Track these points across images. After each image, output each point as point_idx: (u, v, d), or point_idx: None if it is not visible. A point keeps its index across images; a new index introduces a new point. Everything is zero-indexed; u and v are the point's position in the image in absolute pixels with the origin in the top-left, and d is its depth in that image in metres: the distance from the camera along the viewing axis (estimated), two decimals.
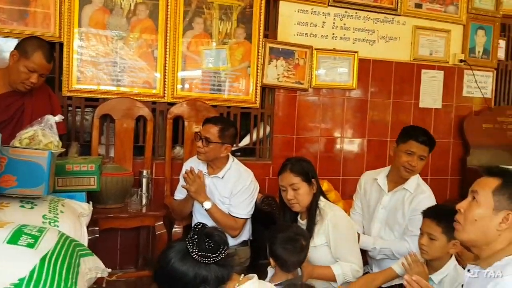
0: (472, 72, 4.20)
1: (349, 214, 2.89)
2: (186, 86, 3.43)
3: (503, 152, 4.22)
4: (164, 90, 3.34)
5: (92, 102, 3.28)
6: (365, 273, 2.73)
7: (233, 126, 2.70)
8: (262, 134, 3.72)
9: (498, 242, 1.41)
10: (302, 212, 2.35)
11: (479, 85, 4.23)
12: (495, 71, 4.37)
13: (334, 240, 2.22)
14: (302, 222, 2.34)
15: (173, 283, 1.43)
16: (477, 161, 4.11)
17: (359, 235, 2.62)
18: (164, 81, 3.34)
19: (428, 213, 2.06)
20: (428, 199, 2.50)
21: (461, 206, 1.48)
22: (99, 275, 1.65)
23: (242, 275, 1.51)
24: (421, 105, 4.11)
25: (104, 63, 3.22)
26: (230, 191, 2.63)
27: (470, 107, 4.30)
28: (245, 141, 3.71)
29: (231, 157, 2.71)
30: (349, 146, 3.98)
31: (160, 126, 3.43)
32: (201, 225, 1.49)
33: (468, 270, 1.54)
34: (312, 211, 2.27)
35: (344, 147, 3.96)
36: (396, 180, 2.62)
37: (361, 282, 2.19)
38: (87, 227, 2.31)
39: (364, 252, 2.66)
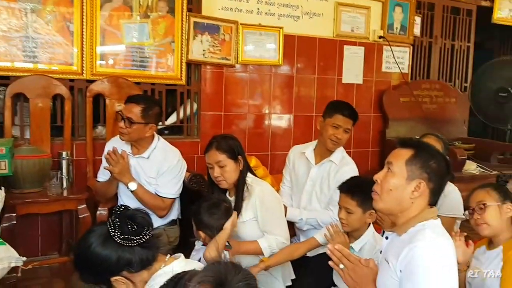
0: (390, 48, 4.39)
1: (277, 189, 2.95)
2: (108, 62, 3.27)
3: (418, 124, 4.50)
4: (83, 66, 3.17)
5: (3, 80, 3.04)
6: None
7: (157, 104, 2.62)
8: (189, 111, 3.66)
9: (411, 209, 1.50)
10: (230, 189, 2.35)
11: (397, 60, 4.44)
12: (411, 47, 4.60)
13: (261, 214, 2.26)
14: (231, 199, 2.34)
15: (95, 268, 1.38)
16: (395, 133, 4.34)
17: (286, 208, 2.69)
18: (82, 57, 3.16)
19: (343, 188, 2.15)
20: (351, 171, 2.62)
21: (378, 177, 1.55)
22: (12, 265, 1.55)
23: (168, 255, 1.49)
24: (344, 80, 4.24)
25: (17, 38, 2.99)
26: (157, 171, 2.57)
27: (389, 81, 4.51)
28: (172, 119, 3.64)
29: (156, 136, 2.64)
30: (277, 122, 4.04)
31: (80, 105, 3.26)
32: (122, 207, 1.44)
33: (386, 237, 1.62)
34: (239, 187, 2.28)
35: (272, 123, 4.01)
36: (323, 153, 2.72)
37: (285, 251, 2.25)
38: (2, 214, 2.17)
39: (292, 224, 2.74)
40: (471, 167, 4.12)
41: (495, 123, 5.01)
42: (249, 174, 2.34)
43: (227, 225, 2.01)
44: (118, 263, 1.36)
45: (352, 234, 2.16)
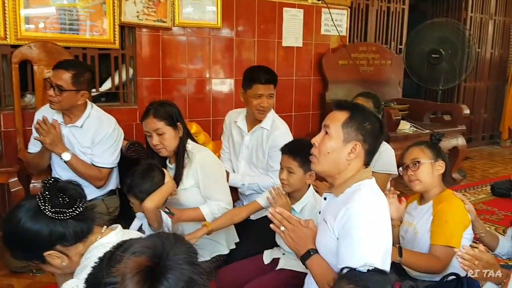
0: (328, 11, 4.40)
1: (219, 155, 2.94)
2: (34, 26, 3.05)
3: (356, 86, 4.59)
4: (6, 30, 2.94)
5: None
6: None
7: (88, 70, 2.48)
8: (125, 77, 3.51)
9: (348, 170, 1.53)
10: (170, 157, 2.30)
11: (335, 23, 4.47)
12: (349, 10, 4.63)
13: (202, 180, 2.24)
14: (171, 166, 2.30)
15: (26, 244, 1.31)
16: (335, 96, 4.42)
17: (228, 173, 2.69)
18: (5, 20, 2.92)
19: (285, 149, 2.16)
20: (283, 134, 2.63)
21: (316, 140, 1.56)
22: None
23: (105, 226, 1.44)
24: (284, 43, 4.23)
25: None
26: (92, 140, 2.47)
27: (328, 44, 4.54)
28: (107, 85, 3.48)
29: (89, 104, 2.52)
30: (218, 87, 3.98)
31: (5, 72, 3.04)
32: (52, 179, 1.36)
33: (325, 198, 1.66)
34: (179, 154, 2.24)
35: (212, 88, 3.95)
36: (253, 120, 2.71)
37: (226, 215, 2.26)
38: None
39: (235, 189, 2.75)
40: (405, 127, 4.29)
41: (427, 84, 5.23)
42: (189, 141, 2.30)
43: (167, 178, 2.01)
44: (50, 238, 1.30)
45: (293, 196, 2.20)
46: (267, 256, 2.34)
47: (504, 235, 2.18)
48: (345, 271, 1.23)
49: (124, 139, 2.64)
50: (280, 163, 2.16)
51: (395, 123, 4.01)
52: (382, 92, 4.78)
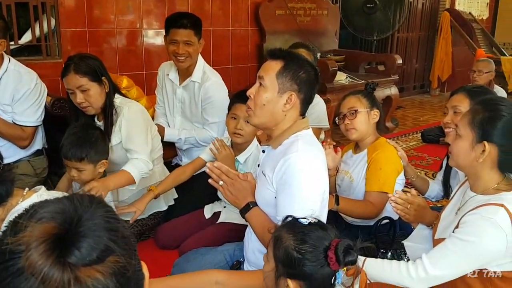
0: None
1: (154, 110, 2.83)
2: None
3: (293, 37, 4.52)
4: None
5: None
6: (175, 165, 2.78)
7: (0, 18, 2.23)
8: (46, 28, 3.23)
9: (284, 122, 1.50)
10: (98, 114, 2.15)
11: None
12: None
13: (125, 133, 2.10)
14: (100, 124, 2.15)
15: None
16: (272, 46, 4.26)
17: (164, 128, 2.60)
18: None
19: (242, 98, 2.04)
20: (214, 85, 2.55)
21: (251, 92, 1.51)
22: None
23: (27, 188, 1.34)
24: None
25: None
26: (11, 97, 2.26)
27: None
28: (27, 37, 3.19)
29: (6, 57, 2.29)
30: (150, 39, 3.79)
31: None
32: None
33: (263, 151, 1.63)
34: (107, 111, 2.09)
35: (145, 40, 3.75)
36: (184, 72, 2.59)
37: (172, 176, 2.21)
38: None
39: (173, 144, 2.68)
40: (341, 77, 4.33)
41: (363, 34, 5.28)
42: (117, 95, 2.15)
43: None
44: None
45: (237, 147, 2.16)
46: (208, 210, 2.33)
47: (433, 179, 2.28)
48: (289, 219, 1.23)
49: (48, 95, 2.45)
50: (235, 113, 2.08)
51: (332, 74, 4.03)
52: (320, 43, 4.77)
